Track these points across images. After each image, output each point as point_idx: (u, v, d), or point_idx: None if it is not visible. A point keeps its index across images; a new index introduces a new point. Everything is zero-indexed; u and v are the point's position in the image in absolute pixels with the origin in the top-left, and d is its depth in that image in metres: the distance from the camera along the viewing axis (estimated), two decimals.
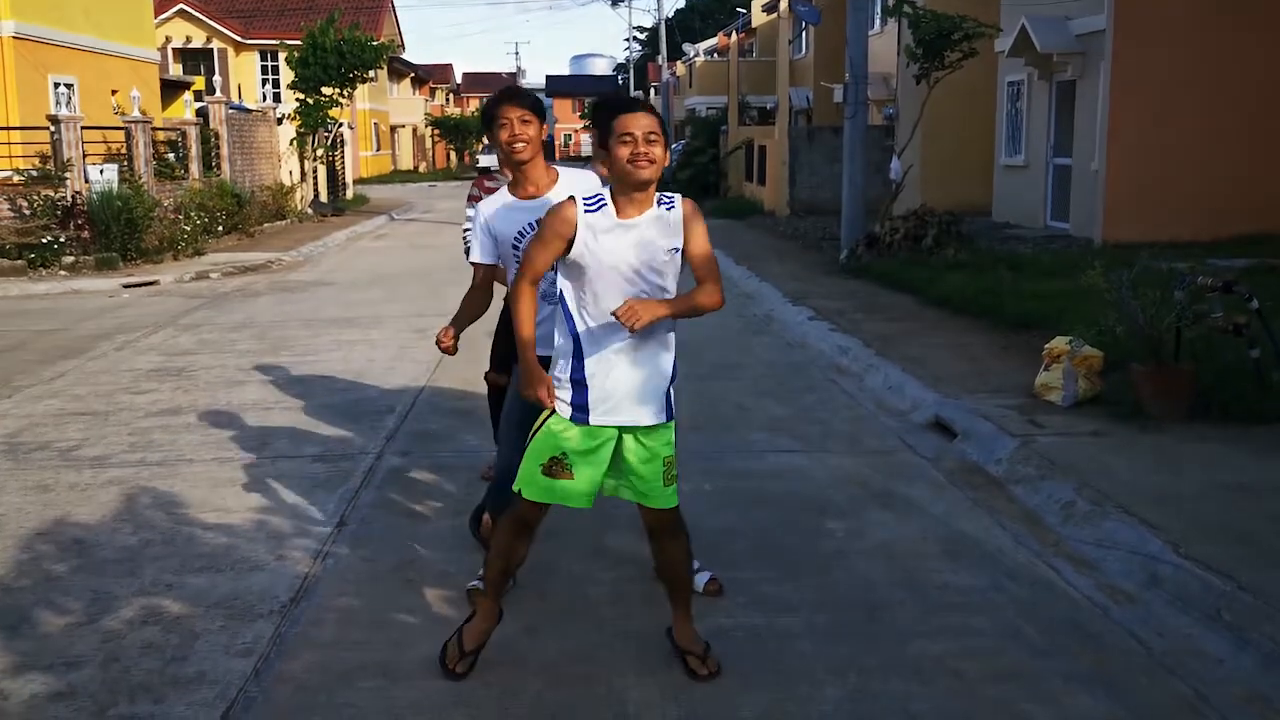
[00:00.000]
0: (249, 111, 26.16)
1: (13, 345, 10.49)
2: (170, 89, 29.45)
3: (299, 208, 25.98)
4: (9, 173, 17.33)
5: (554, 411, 3.60)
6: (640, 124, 3.43)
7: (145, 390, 8.37)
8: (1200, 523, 4.80)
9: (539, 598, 4.35)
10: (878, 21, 24.39)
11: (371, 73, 28.17)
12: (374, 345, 10.14)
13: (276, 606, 4.34)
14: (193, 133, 21.49)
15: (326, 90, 26.65)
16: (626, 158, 3.42)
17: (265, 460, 6.42)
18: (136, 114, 19.36)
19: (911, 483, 5.88)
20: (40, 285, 14.82)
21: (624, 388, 3.55)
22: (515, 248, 4.08)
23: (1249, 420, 6.26)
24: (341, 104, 27.44)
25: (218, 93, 23.95)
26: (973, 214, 17.93)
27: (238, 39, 40.70)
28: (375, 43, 27.43)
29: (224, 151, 22.69)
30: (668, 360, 3.63)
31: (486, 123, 4.15)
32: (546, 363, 3.73)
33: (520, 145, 4.03)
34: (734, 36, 39.71)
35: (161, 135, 21.20)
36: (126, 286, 14.83)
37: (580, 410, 3.56)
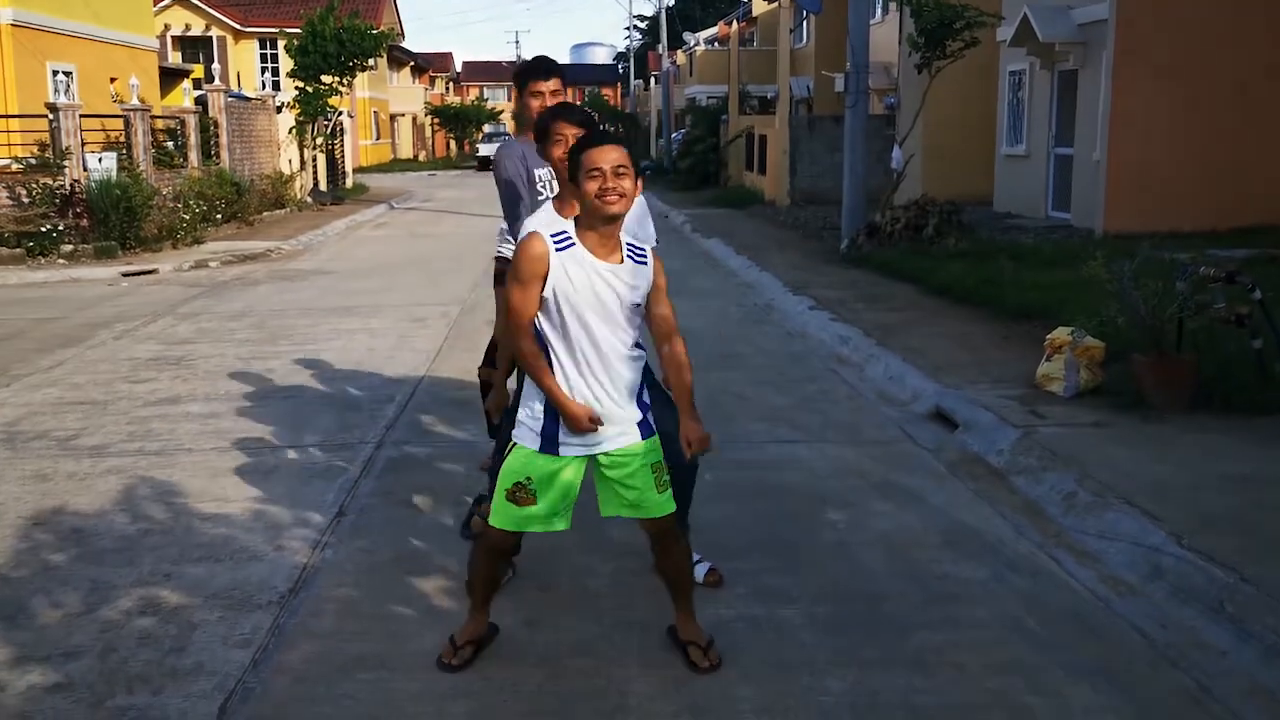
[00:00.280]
0: (248, 100, 26.09)
1: (11, 334, 10.46)
2: (169, 77, 29.39)
3: (298, 196, 25.93)
4: (8, 161, 17.30)
5: (518, 442, 3.59)
6: (609, 158, 3.39)
7: (144, 379, 8.35)
8: (1202, 514, 4.78)
9: (539, 589, 4.33)
10: (879, 10, 24.32)
11: (371, 61, 28.12)
12: (373, 334, 10.11)
13: (275, 597, 4.32)
14: (192, 121, 21.43)
15: (326, 78, 26.58)
16: (595, 192, 3.38)
17: (264, 450, 6.40)
18: (135, 102, 19.30)
19: (912, 473, 5.86)
20: (39, 273, 14.79)
21: (605, 423, 3.52)
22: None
23: (1251, 411, 6.24)
24: (341, 92, 27.37)
25: (217, 81, 23.79)
26: (974, 204, 17.89)
27: (237, 27, 40.61)
28: (375, 31, 27.34)
29: (223, 140, 22.63)
30: (637, 385, 3.59)
31: (540, 136, 4.14)
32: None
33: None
34: (734, 25, 39.60)
35: (160, 123, 21.14)
36: (125, 275, 14.80)
37: (550, 441, 3.54)
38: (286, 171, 25.97)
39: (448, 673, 3.70)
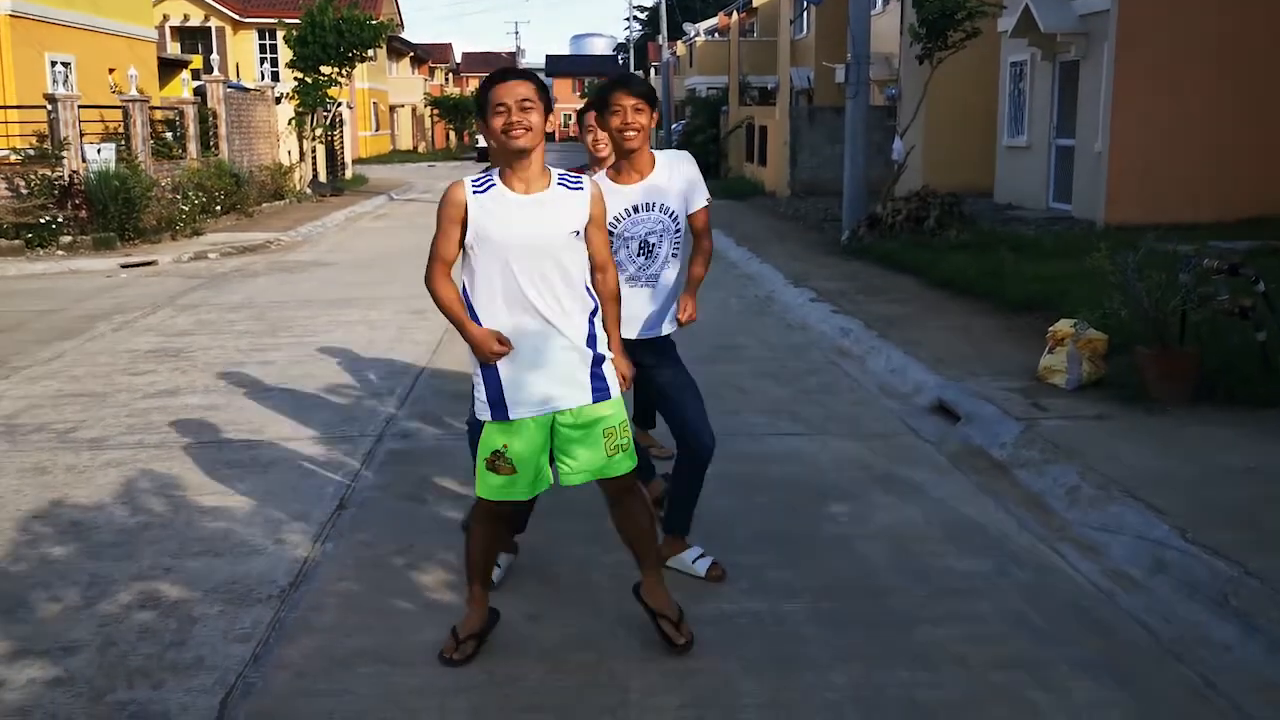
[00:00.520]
0: (247, 91, 26.00)
1: (10, 326, 10.43)
2: (168, 68, 29.30)
3: (298, 188, 25.86)
4: (6, 152, 17.24)
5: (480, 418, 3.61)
6: (515, 93, 3.37)
7: (143, 371, 8.33)
8: (1206, 507, 4.76)
9: (540, 582, 4.31)
10: (880, 1, 24.24)
11: (370, 52, 27.98)
12: (373, 326, 10.08)
13: (275, 591, 4.30)
14: (190, 112, 21.36)
15: (325, 69, 26.49)
16: (501, 127, 3.37)
17: (264, 442, 6.38)
18: (134, 93, 19.24)
19: (914, 466, 5.84)
20: (38, 265, 14.75)
21: (535, 375, 3.49)
22: (611, 232, 4.06)
23: (1255, 404, 6.22)
24: (340, 83, 27.28)
25: (215, 71, 23.72)
26: (974, 195, 17.85)
27: (235, 17, 40.48)
28: (374, 21, 27.24)
29: (222, 131, 22.57)
30: (583, 337, 3.54)
31: (599, 108, 4.12)
32: (632, 346, 3.79)
33: (631, 134, 4.02)
34: (735, 16, 39.45)
35: (159, 114, 21.08)
36: (124, 266, 14.77)
37: (497, 406, 3.53)
38: (286, 163, 25.90)
39: (450, 667, 3.68)
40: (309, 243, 18.14)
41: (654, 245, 4.21)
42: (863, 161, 14.78)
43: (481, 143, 51.95)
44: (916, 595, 4.23)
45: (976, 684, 3.56)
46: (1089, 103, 15.74)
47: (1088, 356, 6.83)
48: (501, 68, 3.65)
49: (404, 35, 56.81)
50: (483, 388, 3.55)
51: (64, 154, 16.70)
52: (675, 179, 4.25)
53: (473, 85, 79.22)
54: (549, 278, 3.46)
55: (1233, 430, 5.89)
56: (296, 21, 26.76)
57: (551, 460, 3.67)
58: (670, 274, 4.32)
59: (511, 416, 3.52)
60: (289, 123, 26.60)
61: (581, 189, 3.53)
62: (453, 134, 68.05)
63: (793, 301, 10.92)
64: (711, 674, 3.63)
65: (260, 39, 41.51)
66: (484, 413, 3.57)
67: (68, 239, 15.96)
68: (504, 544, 3.84)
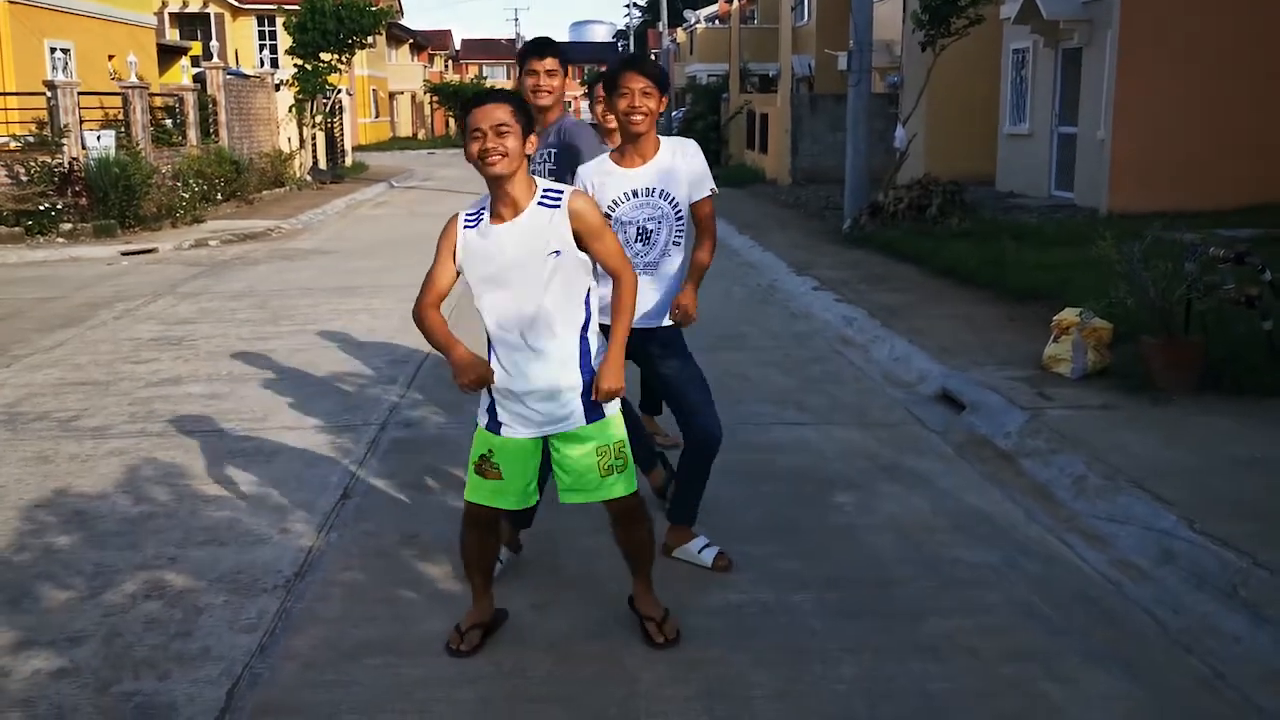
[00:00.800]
0: (247, 77, 25.92)
1: (11, 313, 10.40)
2: (167, 54, 29.18)
3: (298, 175, 25.80)
4: (6, 139, 17.19)
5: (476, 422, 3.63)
6: (491, 117, 3.32)
7: (145, 360, 8.30)
8: (1214, 498, 4.75)
9: (546, 573, 4.29)
10: None
11: (370, 38, 27.90)
12: (375, 314, 10.06)
13: (281, 581, 4.29)
14: (190, 99, 21.29)
15: (325, 56, 26.40)
16: (476, 154, 3.34)
17: (267, 431, 6.36)
18: (133, 79, 19.18)
19: (920, 456, 5.82)
20: (38, 252, 14.71)
21: (527, 398, 3.49)
22: (608, 215, 4.07)
23: (1261, 393, 6.19)
24: (340, 70, 27.19)
25: (215, 58, 23.65)
26: (976, 183, 17.79)
27: (234, 3, 40.28)
28: (374, 8, 27.13)
29: (222, 118, 22.49)
30: (574, 363, 3.50)
31: (607, 89, 4.12)
32: (636, 336, 3.81)
33: (639, 117, 4.02)
34: (735, 3, 39.31)
35: (159, 101, 21.01)
36: (125, 254, 14.73)
37: (493, 419, 3.56)
38: (286, 150, 25.83)
39: (456, 658, 3.66)
40: (310, 230, 18.09)
41: (653, 232, 4.18)
42: (864, 149, 14.72)
43: None
44: (925, 586, 4.22)
45: (987, 675, 3.54)
46: (1091, 90, 15.68)
47: (1093, 345, 6.80)
48: (480, 91, 3.66)
49: (403, 22, 56.68)
50: (486, 398, 3.59)
51: (64, 141, 16.64)
52: (680, 166, 4.22)
53: (472, 72, 79.09)
54: (533, 301, 3.41)
55: (1239, 420, 5.87)
56: (295, 8, 26.65)
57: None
58: (671, 263, 4.29)
59: (503, 434, 3.55)
60: (289, 110, 26.52)
61: (559, 206, 3.41)
62: (452, 121, 67.85)
63: (796, 290, 10.89)
64: (720, 665, 3.61)
65: (259, 25, 41.31)
66: (481, 418, 3.60)
67: (68, 226, 15.92)
68: (497, 546, 3.82)
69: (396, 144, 52.85)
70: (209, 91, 22.34)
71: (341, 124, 31.53)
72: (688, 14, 46.94)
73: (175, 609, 4.06)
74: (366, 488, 5.41)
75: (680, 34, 47.75)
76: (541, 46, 4.52)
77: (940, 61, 14.72)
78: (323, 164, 28.60)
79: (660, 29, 45.30)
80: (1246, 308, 6.44)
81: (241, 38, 40.45)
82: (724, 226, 16.22)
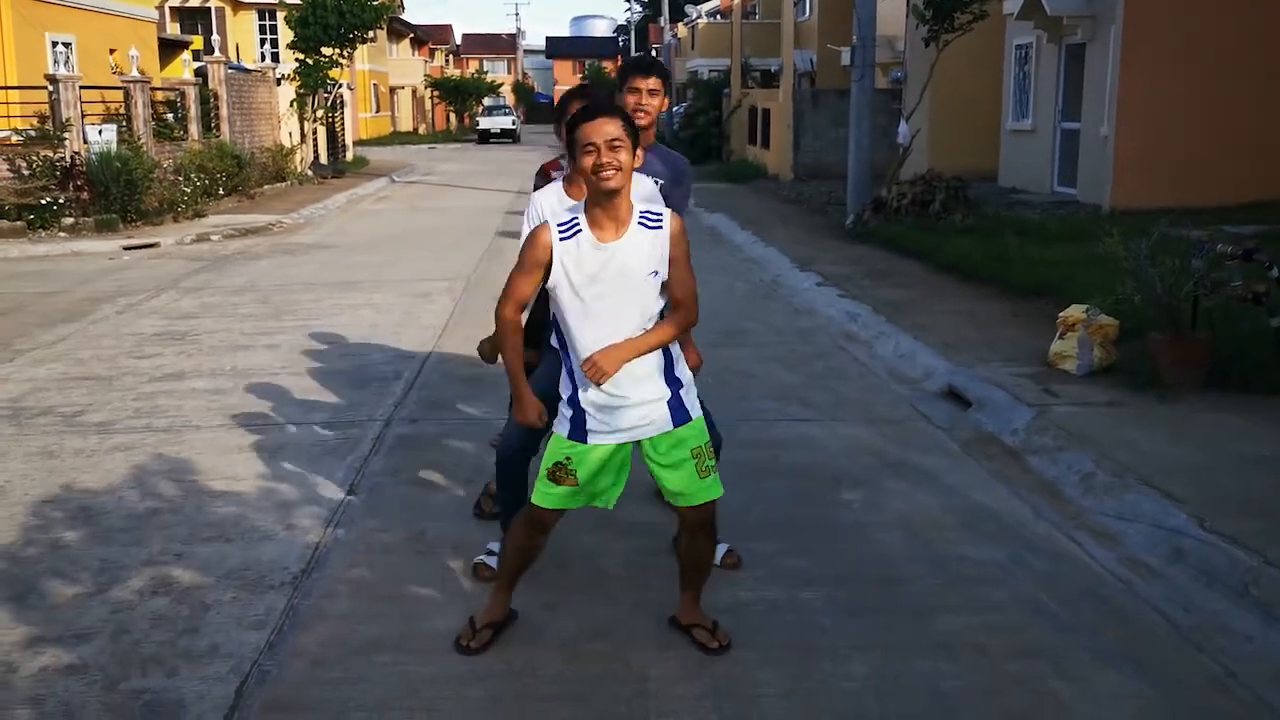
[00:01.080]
0: (248, 72, 25.89)
1: (13, 307, 10.39)
2: (168, 48, 29.16)
3: (299, 169, 25.76)
4: (8, 133, 17.16)
5: (555, 430, 3.58)
6: (604, 132, 3.29)
7: (149, 354, 8.29)
8: (1223, 496, 4.74)
9: (555, 571, 4.27)
10: None
11: (371, 33, 27.83)
12: (378, 309, 10.04)
13: (288, 578, 4.28)
14: (192, 93, 21.26)
15: (326, 50, 26.33)
16: (591, 168, 3.30)
17: (272, 427, 6.35)
18: (135, 73, 19.14)
19: (926, 453, 5.81)
20: (40, 247, 14.68)
21: (621, 410, 3.46)
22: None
23: (1268, 391, 6.18)
24: (341, 64, 27.14)
25: (216, 52, 23.59)
26: (978, 179, 17.75)
27: None
28: (375, 2, 27.04)
29: (223, 112, 22.46)
30: (660, 372, 3.50)
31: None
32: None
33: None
34: None
35: (160, 95, 20.97)
36: (127, 248, 14.70)
37: (578, 429, 3.50)
38: (287, 144, 25.79)
39: (465, 655, 3.65)
40: (311, 225, 18.07)
41: None
42: (867, 145, 14.70)
43: (482, 125, 51.79)
44: (933, 583, 4.21)
45: (996, 673, 3.53)
46: (1095, 86, 15.66)
47: (1099, 342, 6.79)
48: (588, 102, 3.57)
49: (404, 16, 56.55)
50: (569, 411, 3.51)
51: (66, 135, 16.61)
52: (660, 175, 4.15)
53: (473, 67, 78.98)
54: (628, 317, 3.41)
55: (1246, 417, 5.86)
56: (296, 2, 26.57)
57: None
58: None
59: (589, 442, 3.49)
60: (290, 104, 26.48)
61: (661, 227, 3.43)
62: (453, 116, 67.83)
63: (799, 285, 10.88)
64: (730, 663, 3.60)
65: (260, 19, 41.26)
66: (563, 429, 3.51)
67: (69, 220, 15.89)
68: (543, 548, 3.77)
69: (397, 139, 52.78)
70: (210, 86, 22.30)
71: (342, 119, 31.48)
72: (689, 8, 46.87)
73: (182, 605, 4.05)
74: (372, 484, 5.39)
75: (681, 29, 47.71)
76: (647, 66, 4.37)
77: (943, 57, 14.70)
78: (324, 159, 28.55)
79: (661, 23, 45.24)
80: (1254, 304, 6.43)
81: (242, 32, 40.41)
82: (726, 222, 16.24)
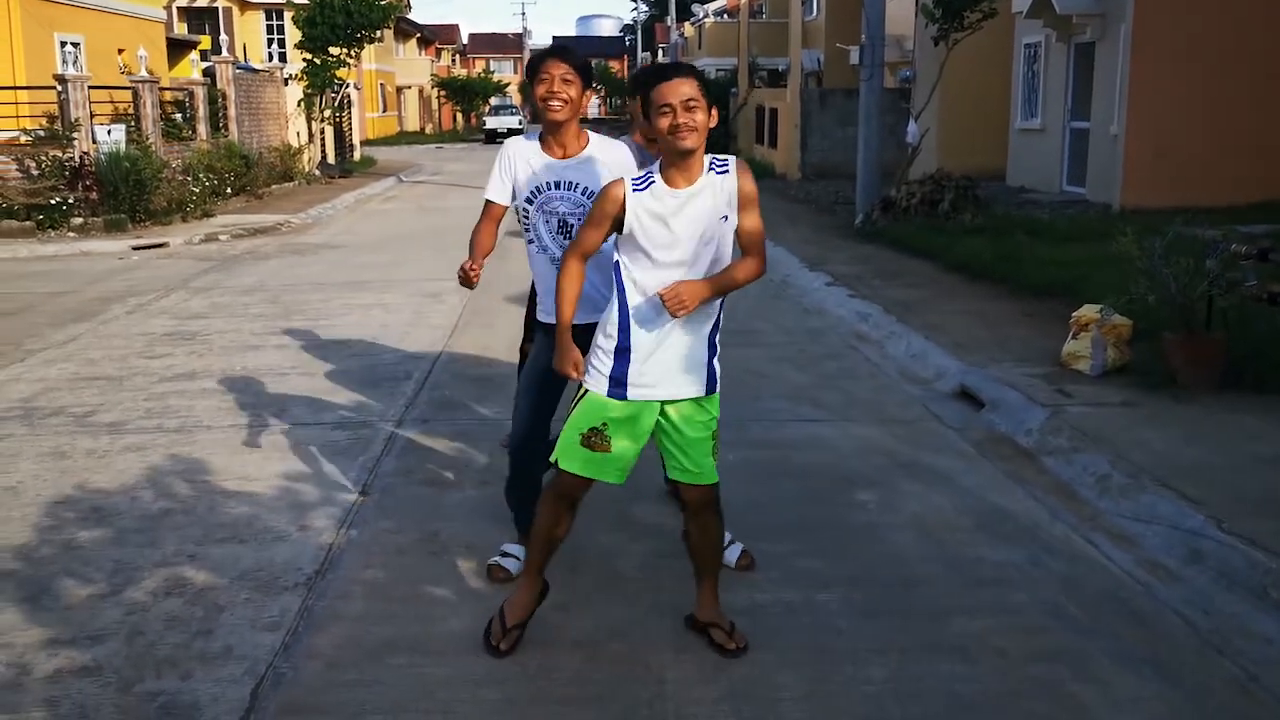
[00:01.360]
0: (256, 72, 25.88)
1: (23, 307, 10.40)
2: (176, 48, 29.22)
3: (307, 169, 25.78)
4: (17, 133, 17.19)
5: (589, 389, 3.54)
6: (679, 92, 3.36)
7: (159, 354, 8.28)
8: (1240, 497, 4.71)
9: (570, 572, 4.24)
10: None
11: (379, 32, 27.86)
12: (388, 309, 10.03)
13: (302, 579, 4.26)
14: (200, 93, 21.28)
15: (334, 50, 26.37)
16: (667, 128, 3.35)
17: (284, 427, 6.34)
18: (143, 73, 19.16)
19: (940, 453, 5.78)
20: (49, 246, 14.70)
21: (665, 362, 3.49)
22: (529, 202, 4.03)
23: None
24: (349, 64, 27.16)
25: (224, 52, 23.61)
26: (987, 178, 17.72)
27: None
28: (383, 2, 27.09)
29: (231, 112, 22.48)
30: (712, 333, 3.56)
31: (529, 75, 4.03)
32: (587, 330, 3.66)
33: (556, 104, 3.90)
34: None
35: (169, 95, 20.99)
36: (136, 248, 14.71)
37: (617, 384, 3.49)
38: (295, 144, 25.81)
39: (492, 656, 3.62)
40: (319, 225, 18.07)
41: (573, 226, 4.01)
42: (876, 144, 14.67)
43: (489, 124, 51.71)
44: (950, 585, 4.18)
45: (1016, 677, 3.51)
46: (1105, 85, 15.61)
47: (1112, 342, 6.76)
48: (660, 64, 3.58)
49: (411, 16, 56.58)
50: (609, 363, 3.49)
51: (74, 135, 16.63)
52: (604, 164, 4.04)
53: (479, 66, 78.99)
54: (700, 264, 3.45)
55: (1262, 417, 5.83)
56: (304, 1, 26.60)
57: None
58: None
59: (630, 397, 3.48)
60: (298, 104, 26.50)
61: (728, 171, 3.48)
62: (460, 115, 67.84)
63: (809, 285, 10.86)
64: (748, 665, 3.58)
65: (267, 19, 41.31)
66: (600, 385, 3.50)
67: (79, 220, 15.91)
68: (571, 524, 3.72)
69: (404, 138, 52.82)
70: (218, 86, 22.33)
71: (350, 118, 31.51)
72: (696, 8, 46.83)
73: (196, 607, 4.04)
74: (385, 484, 5.38)
75: (688, 28, 47.68)
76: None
77: (953, 56, 14.66)
78: (331, 158, 28.58)
79: (668, 23, 45.23)
80: (1269, 304, 6.39)
81: (249, 32, 40.46)
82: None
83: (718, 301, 3.56)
